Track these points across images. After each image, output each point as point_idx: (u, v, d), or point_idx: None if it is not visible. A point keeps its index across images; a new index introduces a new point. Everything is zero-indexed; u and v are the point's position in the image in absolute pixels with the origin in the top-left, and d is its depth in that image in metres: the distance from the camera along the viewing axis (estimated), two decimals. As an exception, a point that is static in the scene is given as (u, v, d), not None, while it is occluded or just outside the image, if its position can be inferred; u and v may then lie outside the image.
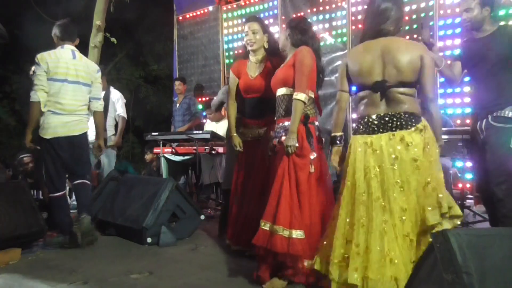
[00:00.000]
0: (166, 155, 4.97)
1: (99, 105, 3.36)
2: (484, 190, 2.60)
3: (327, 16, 5.62)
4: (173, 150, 4.87)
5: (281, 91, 2.46)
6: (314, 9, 5.72)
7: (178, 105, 5.63)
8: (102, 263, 2.74)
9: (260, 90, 2.80)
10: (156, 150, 5.09)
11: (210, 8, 6.79)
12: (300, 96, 2.27)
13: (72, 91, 3.15)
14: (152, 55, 12.67)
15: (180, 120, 5.56)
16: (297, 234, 2.12)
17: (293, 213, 2.17)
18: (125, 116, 4.86)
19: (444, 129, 3.52)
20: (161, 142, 4.82)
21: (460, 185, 3.89)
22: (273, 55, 2.82)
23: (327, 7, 5.62)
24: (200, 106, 5.91)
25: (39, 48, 3.69)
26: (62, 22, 3.33)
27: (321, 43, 5.64)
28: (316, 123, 2.44)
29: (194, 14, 6.98)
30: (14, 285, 2.37)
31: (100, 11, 6.72)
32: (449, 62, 2.76)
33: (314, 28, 5.57)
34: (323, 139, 2.45)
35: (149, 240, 3.17)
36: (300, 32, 2.46)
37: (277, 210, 2.17)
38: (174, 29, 7.31)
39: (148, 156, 6.66)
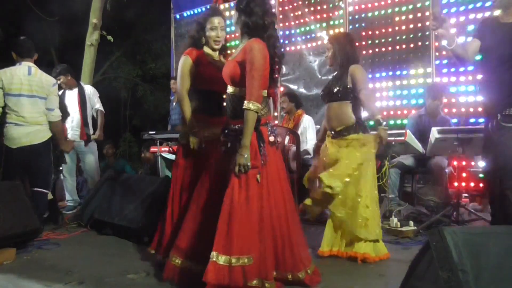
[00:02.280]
0: (163, 154, 4.96)
1: (51, 116, 3.59)
2: (493, 190, 2.53)
3: (324, 15, 5.62)
4: (170, 149, 4.86)
5: (228, 89, 2.21)
6: (312, 8, 5.72)
7: (174, 103, 5.62)
8: (98, 263, 2.73)
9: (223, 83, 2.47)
10: (153, 149, 5.09)
11: (208, 7, 6.75)
12: (252, 105, 1.99)
13: (29, 104, 3.45)
14: (149, 54, 12.65)
15: (177, 119, 5.54)
16: (249, 259, 1.95)
17: (248, 237, 1.97)
18: (103, 110, 4.84)
19: (440, 128, 3.55)
20: (158, 141, 4.81)
21: (455, 184, 3.90)
22: (224, 51, 2.71)
23: (325, 6, 5.62)
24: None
25: (34, 45, 3.70)
26: (19, 40, 3.59)
27: (318, 42, 5.70)
28: (270, 123, 2.19)
29: (192, 12, 6.96)
30: (8, 285, 2.36)
31: (96, 9, 6.70)
32: (469, 39, 2.60)
33: (312, 27, 5.69)
34: (278, 139, 2.24)
35: (146, 239, 3.16)
36: (247, 14, 2.09)
37: (230, 237, 1.94)
38: (171, 27, 7.29)
39: (145, 155, 6.65)
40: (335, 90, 2.84)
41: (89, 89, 4.78)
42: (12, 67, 3.50)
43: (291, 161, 4.05)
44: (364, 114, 2.94)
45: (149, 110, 12.88)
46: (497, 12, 2.44)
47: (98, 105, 4.80)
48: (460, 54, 2.51)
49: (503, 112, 2.34)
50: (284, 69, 5.97)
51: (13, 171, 3.49)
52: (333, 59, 2.93)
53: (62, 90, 4.57)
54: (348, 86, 2.80)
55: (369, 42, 5.20)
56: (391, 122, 4.96)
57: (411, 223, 3.33)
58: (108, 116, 4.96)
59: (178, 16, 7.18)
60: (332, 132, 2.89)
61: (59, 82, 4.48)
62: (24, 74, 3.46)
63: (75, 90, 4.59)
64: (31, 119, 3.45)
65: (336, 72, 2.97)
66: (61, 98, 4.53)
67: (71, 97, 4.55)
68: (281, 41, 5.45)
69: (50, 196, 4.07)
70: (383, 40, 5.10)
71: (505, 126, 2.33)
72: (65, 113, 4.38)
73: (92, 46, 6.73)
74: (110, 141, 6.90)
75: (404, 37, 4.97)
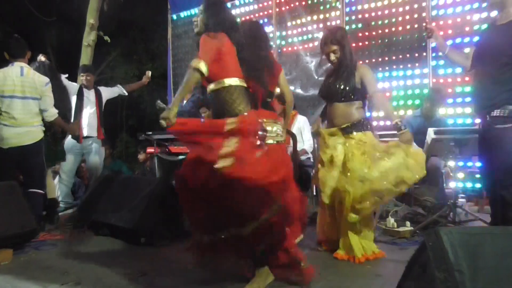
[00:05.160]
0: (160, 154, 4.95)
1: (46, 116, 3.60)
2: (492, 191, 2.54)
3: (321, 16, 5.64)
4: (167, 149, 4.85)
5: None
6: (309, 9, 5.73)
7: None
8: (95, 264, 2.72)
9: None
10: (149, 149, 5.08)
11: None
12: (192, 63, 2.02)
13: (21, 105, 3.45)
14: (146, 54, 12.63)
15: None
16: None
17: None
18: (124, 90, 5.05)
19: (436, 128, 3.56)
20: (155, 142, 4.80)
21: (452, 184, 3.92)
22: None
23: (321, 7, 5.64)
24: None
25: (31, 45, 3.70)
26: (11, 40, 3.59)
27: (315, 43, 5.70)
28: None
29: (189, 13, 6.96)
30: (5, 286, 2.35)
31: (93, 10, 6.70)
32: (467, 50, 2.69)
33: (309, 28, 5.68)
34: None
35: (142, 240, 3.16)
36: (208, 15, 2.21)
37: None
38: (168, 28, 7.28)
39: (141, 156, 6.63)
40: (343, 91, 2.76)
41: (104, 92, 4.86)
42: (5, 68, 3.50)
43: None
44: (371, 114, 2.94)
45: (145, 111, 12.85)
46: (494, 14, 2.47)
47: (118, 89, 4.97)
48: (456, 60, 2.60)
49: (492, 114, 2.36)
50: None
51: (6, 171, 3.49)
52: (342, 61, 2.81)
53: (81, 88, 4.65)
54: (358, 87, 2.76)
55: (366, 43, 5.21)
56: (388, 123, 4.98)
57: (408, 223, 3.34)
58: (104, 117, 4.97)
59: (175, 17, 7.17)
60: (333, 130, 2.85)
61: (87, 79, 4.61)
62: (17, 75, 3.46)
63: (92, 90, 4.69)
64: (21, 121, 3.45)
65: (338, 71, 2.84)
66: (80, 95, 4.59)
67: (90, 96, 4.65)
68: (279, 42, 5.41)
69: (52, 195, 4.10)
70: (379, 41, 5.12)
71: (495, 127, 2.35)
72: (79, 112, 4.46)
73: (89, 46, 6.72)
74: (107, 141, 6.88)
75: (400, 38, 4.99)
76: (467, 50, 2.86)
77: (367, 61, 5.15)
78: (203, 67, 2.01)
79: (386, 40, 5.06)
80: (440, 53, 2.68)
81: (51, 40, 11.40)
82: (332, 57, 2.84)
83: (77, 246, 3.21)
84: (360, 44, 5.20)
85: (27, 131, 3.48)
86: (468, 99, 4.44)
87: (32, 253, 3.00)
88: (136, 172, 7.31)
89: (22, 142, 3.46)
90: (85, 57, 6.73)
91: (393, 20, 5.03)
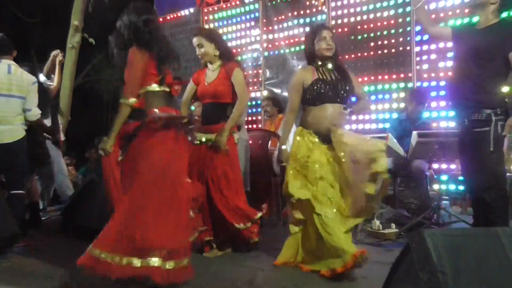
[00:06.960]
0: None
1: (29, 116, 3.52)
2: (473, 193, 2.60)
3: (308, 20, 5.68)
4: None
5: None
6: (295, 13, 5.77)
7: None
8: (79, 269, 2.67)
9: (213, 95, 2.94)
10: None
11: (192, 10, 6.76)
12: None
13: (5, 103, 3.36)
14: (132, 57, 12.53)
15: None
16: None
17: None
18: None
19: (420, 131, 3.62)
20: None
21: (436, 187, 3.99)
22: (228, 60, 2.94)
23: (308, 11, 5.68)
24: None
25: (14, 47, 3.64)
26: None
27: (302, 47, 5.73)
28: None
29: (175, 15, 6.93)
30: (-14, 292, 2.30)
31: (78, 11, 6.60)
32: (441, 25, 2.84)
33: (295, 31, 5.71)
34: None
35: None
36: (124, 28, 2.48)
37: None
38: (154, 30, 7.22)
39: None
40: (346, 92, 2.60)
41: None
42: None
43: (276, 165, 4.06)
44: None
45: (131, 114, 12.75)
46: (476, 18, 2.55)
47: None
48: (423, 19, 2.67)
49: (470, 117, 2.41)
50: (267, 73, 6.01)
51: None
52: (332, 51, 2.67)
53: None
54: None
55: (352, 47, 5.27)
56: (373, 126, 5.04)
57: (393, 225, 3.38)
58: (90, 119, 4.91)
59: (161, 19, 7.13)
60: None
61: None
62: (4, 72, 3.38)
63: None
64: (3, 118, 3.36)
65: (339, 70, 2.68)
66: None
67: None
68: (265, 45, 5.44)
69: (36, 198, 4.02)
70: (365, 45, 5.18)
71: (474, 131, 2.41)
72: (56, 116, 4.41)
73: (73, 48, 6.62)
74: (96, 144, 6.80)
75: (385, 42, 5.05)
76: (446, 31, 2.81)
77: (352, 65, 5.21)
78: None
79: (372, 44, 5.13)
80: (413, 8, 2.73)
81: (34, 41, 11.22)
82: (330, 41, 2.67)
83: (61, 251, 3.16)
84: (346, 48, 5.25)
85: (8, 129, 3.38)
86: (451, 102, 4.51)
87: (15, 258, 2.95)
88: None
89: (3, 140, 3.36)
90: (70, 59, 6.62)
91: (378, 24, 5.09)
